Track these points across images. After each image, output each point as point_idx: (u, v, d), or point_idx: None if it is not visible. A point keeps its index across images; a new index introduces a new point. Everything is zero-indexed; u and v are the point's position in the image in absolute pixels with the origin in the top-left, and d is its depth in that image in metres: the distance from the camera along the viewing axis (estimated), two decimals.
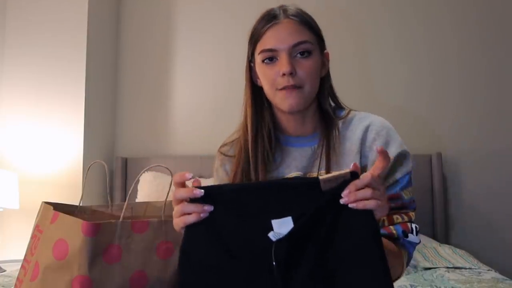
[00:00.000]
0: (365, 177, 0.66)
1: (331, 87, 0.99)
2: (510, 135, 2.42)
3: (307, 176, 0.94)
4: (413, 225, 0.90)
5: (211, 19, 2.67)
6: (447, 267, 1.75)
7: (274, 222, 0.65)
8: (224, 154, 1.03)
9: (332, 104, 1.00)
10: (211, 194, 0.67)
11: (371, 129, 0.93)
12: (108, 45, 2.64)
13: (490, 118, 2.45)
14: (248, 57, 0.99)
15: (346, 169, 0.67)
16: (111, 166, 2.52)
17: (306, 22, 0.91)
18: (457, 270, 1.71)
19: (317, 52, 0.92)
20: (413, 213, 0.92)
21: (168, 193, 0.86)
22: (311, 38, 0.90)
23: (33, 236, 0.83)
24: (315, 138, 0.96)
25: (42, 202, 0.85)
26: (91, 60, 2.41)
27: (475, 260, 1.87)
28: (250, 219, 0.66)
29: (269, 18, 0.91)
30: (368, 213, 0.65)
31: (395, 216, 0.89)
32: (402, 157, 0.91)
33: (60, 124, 2.34)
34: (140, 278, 0.76)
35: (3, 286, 1.43)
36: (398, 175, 0.90)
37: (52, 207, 0.81)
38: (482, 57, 2.49)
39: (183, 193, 0.68)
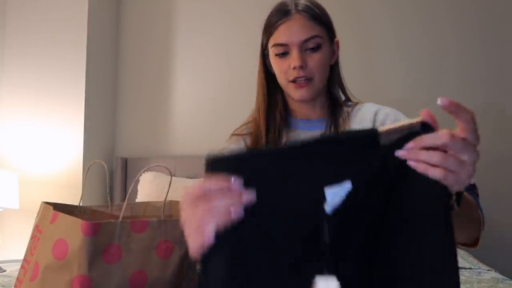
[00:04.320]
0: (442, 134, 0.50)
1: (339, 74, 1.04)
2: (510, 135, 2.42)
3: None
4: None
5: (211, 19, 2.67)
6: None
7: (328, 190, 0.51)
8: (238, 134, 1.07)
9: (342, 96, 1.05)
10: (249, 172, 0.50)
11: (380, 112, 0.98)
12: (108, 45, 2.64)
13: (490, 118, 2.45)
14: (262, 46, 1.03)
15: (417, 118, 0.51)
16: (111, 166, 2.52)
17: (316, 16, 0.94)
18: None
19: (327, 43, 0.96)
20: None
21: (167, 193, 0.87)
22: (320, 31, 0.94)
23: (33, 236, 0.83)
24: (323, 123, 1.01)
25: (42, 202, 0.85)
26: (91, 60, 2.41)
27: (475, 260, 1.87)
28: (296, 191, 0.51)
29: (282, 13, 0.95)
30: (437, 184, 0.50)
31: None
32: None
33: (60, 124, 2.34)
34: (140, 277, 0.76)
35: (3, 286, 1.43)
36: None
37: (52, 207, 0.81)
38: (482, 56, 2.49)
39: (213, 184, 0.49)
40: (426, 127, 0.51)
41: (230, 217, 0.49)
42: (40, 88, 2.37)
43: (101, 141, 2.55)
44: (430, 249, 0.51)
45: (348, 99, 1.06)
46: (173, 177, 0.90)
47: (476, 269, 1.74)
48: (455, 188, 0.52)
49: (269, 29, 0.97)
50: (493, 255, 2.22)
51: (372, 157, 0.51)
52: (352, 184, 0.51)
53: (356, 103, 1.03)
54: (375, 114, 0.97)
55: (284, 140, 1.01)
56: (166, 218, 0.80)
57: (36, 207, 0.88)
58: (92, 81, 2.41)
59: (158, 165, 0.86)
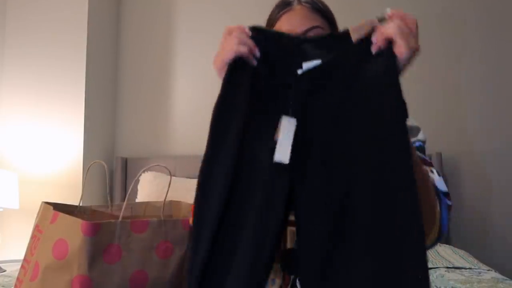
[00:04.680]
0: (395, 21, 0.71)
1: None
2: (510, 134, 2.42)
3: None
4: (434, 170, 0.85)
5: (211, 19, 2.67)
6: (447, 267, 1.75)
7: (305, 64, 0.72)
8: None
9: None
10: (256, 39, 0.75)
11: None
12: (108, 45, 2.64)
13: (490, 118, 2.45)
14: None
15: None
16: (111, 166, 2.52)
17: (318, 8, 0.95)
18: (457, 270, 1.71)
19: None
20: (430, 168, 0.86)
21: (167, 193, 0.87)
22: (323, 23, 0.94)
23: (33, 236, 0.83)
24: None
25: (42, 202, 0.85)
26: (91, 60, 2.41)
27: (475, 260, 1.87)
28: (284, 64, 0.73)
29: (283, 5, 0.95)
30: (390, 58, 0.69)
31: None
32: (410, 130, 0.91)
33: (60, 124, 2.34)
34: (140, 277, 0.76)
35: (3, 286, 1.43)
36: None
37: (52, 207, 0.81)
38: (481, 56, 2.49)
39: (235, 27, 0.78)
40: (382, 21, 0.72)
41: (246, 49, 0.75)
42: (40, 88, 2.37)
43: (101, 141, 2.55)
44: (383, 117, 0.66)
45: None
46: (173, 177, 0.90)
47: (476, 269, 1.74)
48: (403, 50, 0.71)
49: (270, 21, 0.98)
50: (493, 255, 2.22)
51: (342, 46, 0.72)
52: (322, 62, 0.72)
53: None
54: None
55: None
56: (166, 218, 0.80)
57: (36, 207, 0.88)
58: (92, 81, 2.41)
59: (158, 165, 0.86)
